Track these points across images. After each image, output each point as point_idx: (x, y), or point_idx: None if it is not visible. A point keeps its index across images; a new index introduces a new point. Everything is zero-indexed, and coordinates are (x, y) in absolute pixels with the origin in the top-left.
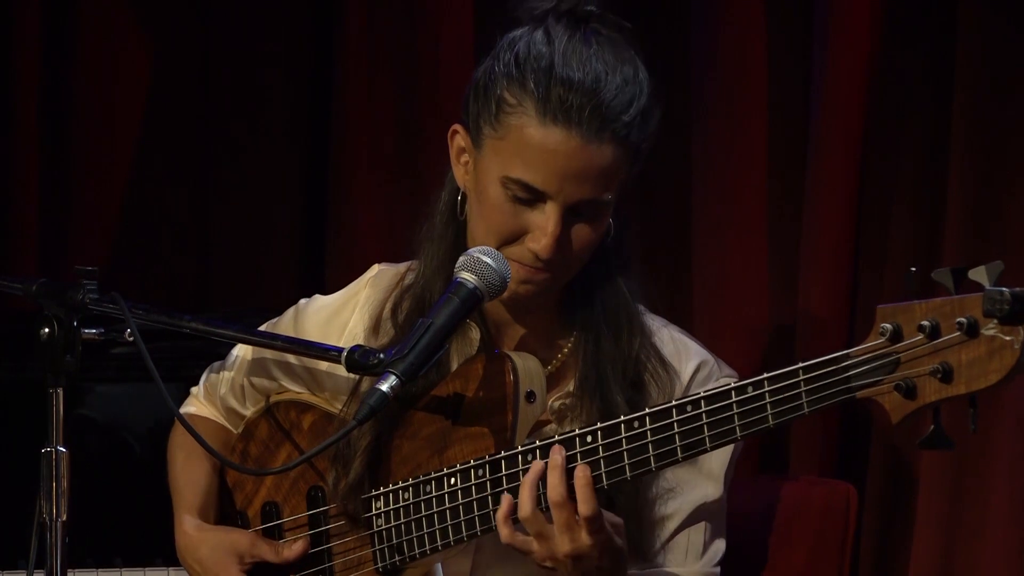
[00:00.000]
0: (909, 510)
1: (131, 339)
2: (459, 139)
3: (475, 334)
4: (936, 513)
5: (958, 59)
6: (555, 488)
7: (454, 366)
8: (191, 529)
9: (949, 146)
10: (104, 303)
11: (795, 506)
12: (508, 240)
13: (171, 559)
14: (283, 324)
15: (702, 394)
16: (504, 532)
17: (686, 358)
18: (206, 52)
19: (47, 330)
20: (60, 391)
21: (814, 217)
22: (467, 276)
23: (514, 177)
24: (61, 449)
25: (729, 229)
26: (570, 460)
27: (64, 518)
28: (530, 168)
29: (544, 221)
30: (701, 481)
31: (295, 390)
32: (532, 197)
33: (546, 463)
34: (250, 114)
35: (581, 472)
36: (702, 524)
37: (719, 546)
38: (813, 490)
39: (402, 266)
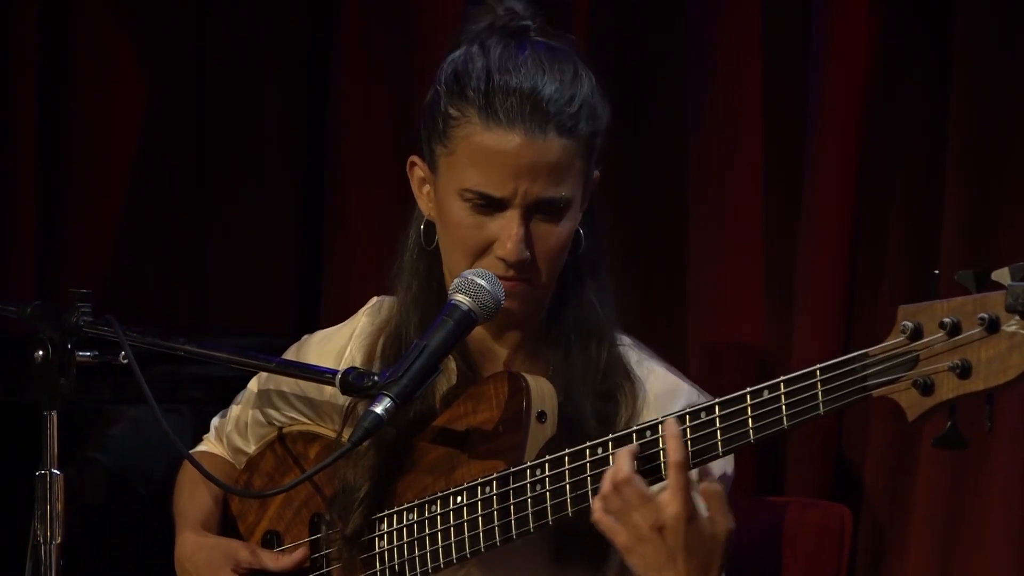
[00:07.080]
0: (904, 532)
1: (125, 362)
2: (417, 170)
3: (451, 364)
4: (931, 534)
5: (954, 78)
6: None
7: (437, 396)
8: (191, 536)
9: (945, 165)
10: (98, 326)
11: (790, 528)
12: (477, 253)
13: None
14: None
15: (716, 400)
16: (597, 507)
17: (678, 398)
18: (203, 78)
19: (41, 353)
20: (54, 414)
21: (810, 237)
22: (461, 298)
23: (469, 187)
24: (56, 472)
25: (725, 250)
26: (578, 471)
27: (59, 540)
28: (482, 174)
29: (505, 225)
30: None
31: (301, 420)
32: (489, 204)
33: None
34: (247, 140)
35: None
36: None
37: None
38: (808, 512)
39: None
